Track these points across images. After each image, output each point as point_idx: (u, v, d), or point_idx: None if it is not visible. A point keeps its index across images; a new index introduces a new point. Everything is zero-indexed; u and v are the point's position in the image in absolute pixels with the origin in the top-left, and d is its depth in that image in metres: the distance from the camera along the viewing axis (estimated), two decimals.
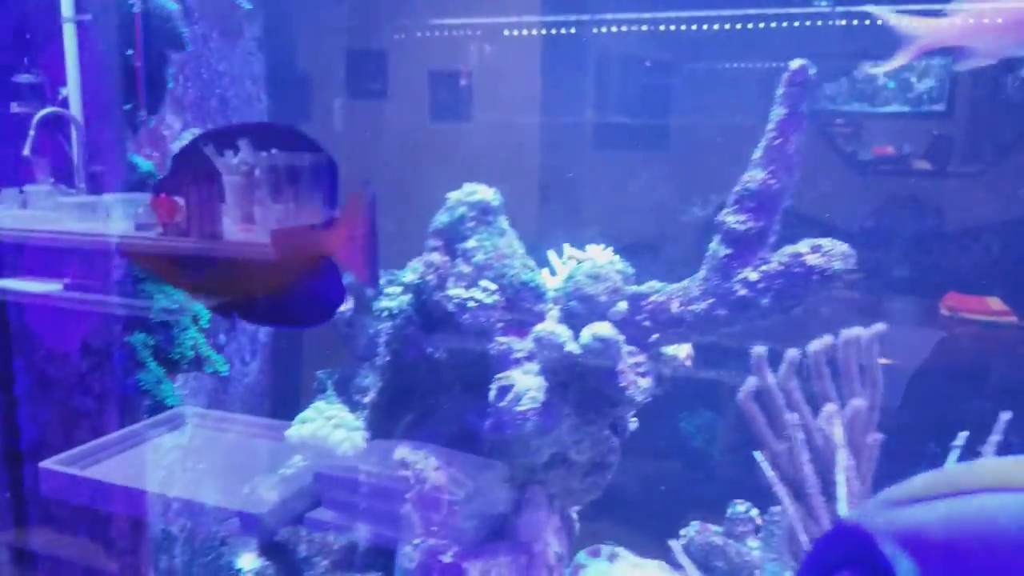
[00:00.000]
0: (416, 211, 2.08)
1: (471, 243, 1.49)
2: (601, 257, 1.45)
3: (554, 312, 1.49)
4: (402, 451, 1.60)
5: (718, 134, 2.10)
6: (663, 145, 2.28)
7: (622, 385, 1.33)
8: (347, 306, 1.82)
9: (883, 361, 1.49)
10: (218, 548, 1.83)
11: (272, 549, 1.74)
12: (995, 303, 1.95)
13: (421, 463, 1.56)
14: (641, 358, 1.37)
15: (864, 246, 2.06)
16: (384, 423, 1.74)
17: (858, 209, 2.12)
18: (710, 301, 1.28)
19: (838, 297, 2.01)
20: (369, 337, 1.84)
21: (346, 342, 1.84)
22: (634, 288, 1.37)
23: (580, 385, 1.41)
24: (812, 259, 1.17)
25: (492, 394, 1.43)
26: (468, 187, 1.52)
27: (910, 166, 2.10)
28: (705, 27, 2.09)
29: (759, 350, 1.59)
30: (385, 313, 1.55)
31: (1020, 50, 1.09)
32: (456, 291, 1.47)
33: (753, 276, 1.23)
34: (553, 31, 2.24)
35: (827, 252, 1.17)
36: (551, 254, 1.59)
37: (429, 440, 1.63)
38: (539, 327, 1.37)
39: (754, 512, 1.94)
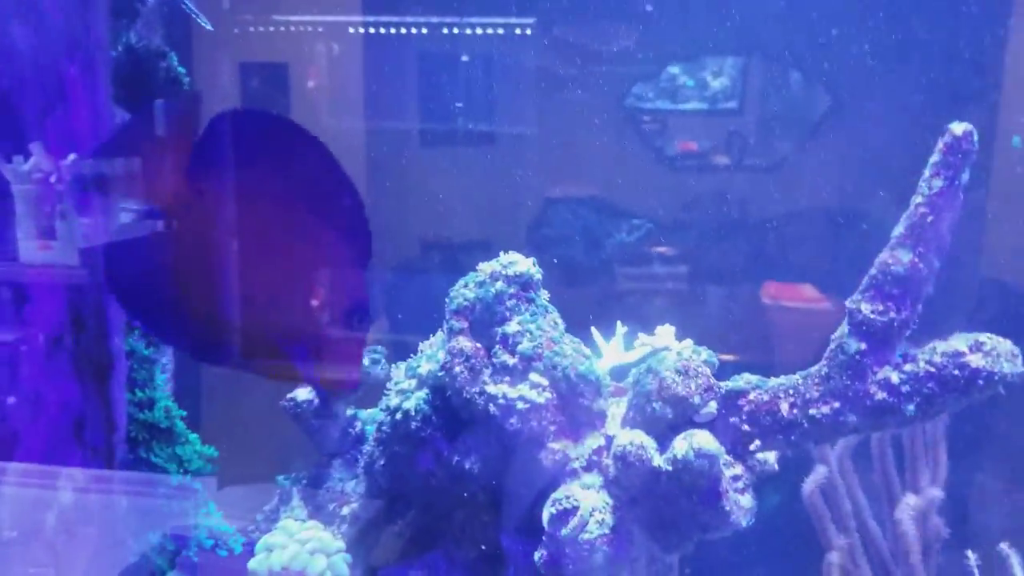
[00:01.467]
0: None
1: (513, 326, 1.19)
2: (677, 344, 1.21)
3: (615, 409, 1.22)
4: None
5: (540, 133, 2.18)
6: (488, 143, 2.29)
7: (726, 509, 1.08)
8: (312, 393, 1.45)
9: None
10: None
11: None
12: (809, 291, 2.03)
13: None
14: (738, 469, 1.13)
15: (679, 239, 2.20)
16: (373, 543, 1.40)
17: (669, 202, 2.20)
18: (835, 405, 1.06)
19: (663, 289, 2.19)
20: (342, 429, 1.48)
21: (312, 435, 1.47)
22: (729, 385, 1.13)
23: (656, 502, 1.14)
24: (975, 360, 0.98)
25: (547, 518, 1.14)
26: (505, 257, 1.22)
27: (711, 161, 2.20)
28: (519, 31, 2.17)
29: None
30: (399, 415, 1.22)
31: None
32: (499, 388, 1.17)
33: (895, 378, 1.02)
34: (372, 30, 2.26)
35: (991, 351, 0.98)
36: (595, 333, 1.32)
37: (438, 567, 1.31)
38: (621, 439, 1.10)
39: None
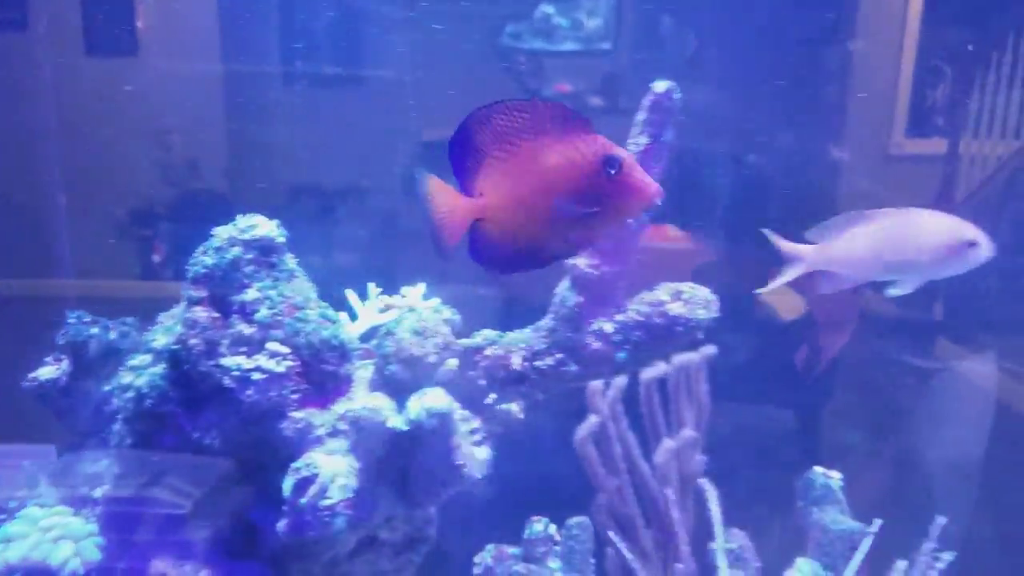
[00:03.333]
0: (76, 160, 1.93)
1: (251, 294, 1.16)
2: (422, 304, 1.21)
3: (363, 372, 1.22)
4: (161, 564, 1.23)
5: (412, 73, 2.10)
6: (358, 84, 2.20)
7: (457, 463, 1.11)
8: (61, 368, 1.36)
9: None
10: None
11: None
12: (672, 231, 2.03)
13: None
14: (476, 423, 1.16)
15: None
16: (127, 524, 1.34)
17: None
18: (558, 356, 1.10)
19: None
20: (96, 405, 1.40)
21: (62, 416, 1.38)
22: (466, 342, 1.15)
23: (398, 462, 1.16)
24: (675, 308, 1.04)
25: (287, 488, 1.13)
26: (244, 220, 1.18)
27: (586, 103, 2.18)
28: None
29: (596, 385, 1.46)
30: (131, 393, 1.16)
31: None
32: (234, 360, 1.13)
33: (608, 327, 1.07)
34: None
35: (689, 299, 1.05)
36: (350, 295, 1.31)
37: (194, 545, 1.28)
38: (356, 404, 1.10)
39: (552, 529, 1.81)
